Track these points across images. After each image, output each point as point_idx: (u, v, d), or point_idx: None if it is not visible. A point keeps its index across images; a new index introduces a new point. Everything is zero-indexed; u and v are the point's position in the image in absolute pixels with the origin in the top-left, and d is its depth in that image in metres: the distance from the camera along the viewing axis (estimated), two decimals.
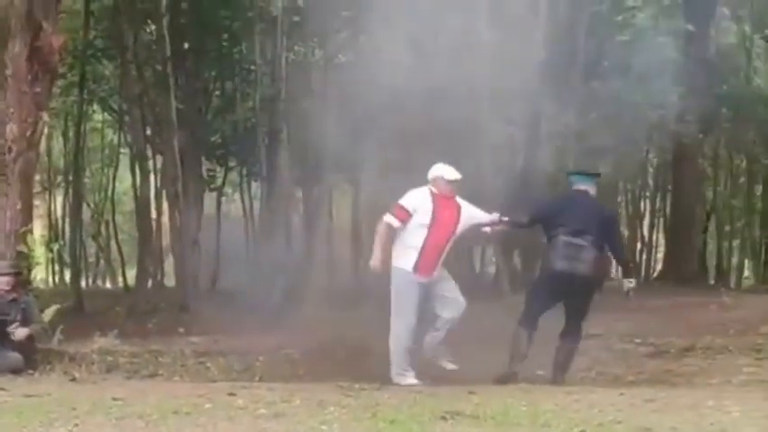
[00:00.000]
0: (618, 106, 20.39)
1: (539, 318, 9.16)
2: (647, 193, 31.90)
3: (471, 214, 9.62)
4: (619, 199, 30.51)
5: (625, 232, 27.82)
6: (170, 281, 25.33)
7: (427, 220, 9.28)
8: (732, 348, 11.03)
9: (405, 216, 9.31)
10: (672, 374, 9.73)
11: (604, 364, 10.43)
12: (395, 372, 9.19)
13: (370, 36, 19.08)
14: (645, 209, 31.92)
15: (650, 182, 31.49)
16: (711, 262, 29.51)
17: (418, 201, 9.38)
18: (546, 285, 9.27)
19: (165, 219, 24.04)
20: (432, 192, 9.45)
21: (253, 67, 24.88)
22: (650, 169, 30.65)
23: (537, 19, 18.31)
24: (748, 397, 7.94)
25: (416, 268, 9.22)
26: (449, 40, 17.24)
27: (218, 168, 28.32)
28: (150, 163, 24.40)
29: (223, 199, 29.63)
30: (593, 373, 9.95)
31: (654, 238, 31.26)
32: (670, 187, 28.78)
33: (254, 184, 28.08)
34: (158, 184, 25.54)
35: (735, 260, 32.00)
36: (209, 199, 27.99)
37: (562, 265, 8.97)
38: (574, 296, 9.10)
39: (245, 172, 28.15)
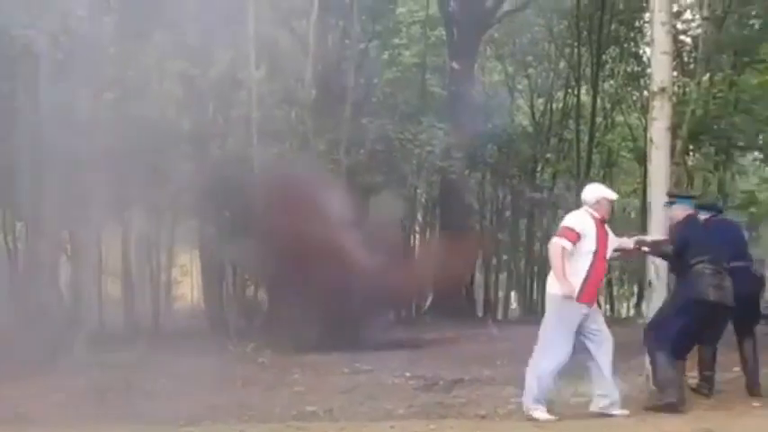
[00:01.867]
0: (386, 143, 20.87)
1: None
2: (417, 228, 32.66)
3: (614, 239, 9.37)
4: None
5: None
6: None
7: (593, 245, 8.93)
8: (499, 379, 11.47)
9: (575, 239, 8.88)
10: (442, 406, 9.99)
11: (375, 399, 10.61)
12: (530, 402, 8.88)
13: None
14: (415, 244, 32.65)
15: (419, 217, 32.24)
16: (479, 294, 30.50)
17: (585, 225, 8.98)
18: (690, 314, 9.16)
19: None
20: (593, 216, 9.08)
21: None
22: (419, 205, 31.40)
23: (306, 57, 18.56)
24: (514, 426, 8.36)
25: (581, 296, 8.84)
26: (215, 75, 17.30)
27: None
28: None
29: None
30: (365, 408, 10.13)
31: (424, 272, 31.98)
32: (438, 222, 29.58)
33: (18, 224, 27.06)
34: None
35: (501, 293, 33.29)
36: None
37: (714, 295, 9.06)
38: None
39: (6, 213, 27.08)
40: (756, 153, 31.85)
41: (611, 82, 29.52)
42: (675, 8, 24.33)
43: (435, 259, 27.61)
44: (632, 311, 32.19)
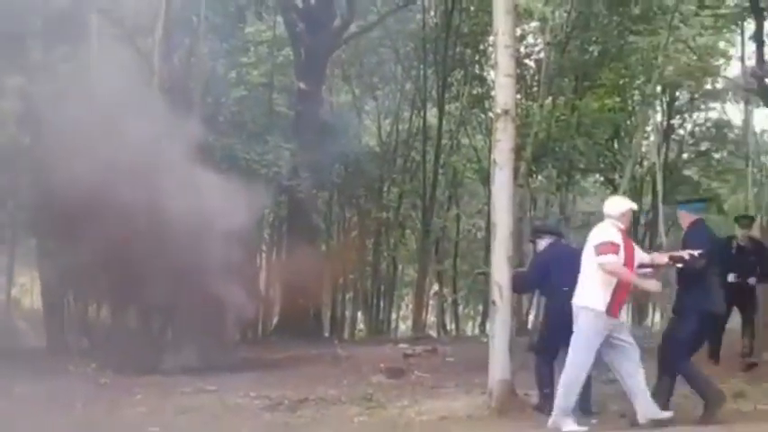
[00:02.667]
0: (232, 162, 20.71)
1: None
2: (264, 248, 32.48)
3: (641, 252, 9.49)
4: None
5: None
6: None
7: (622, 258, 8.97)
8: (344, 399, 11.50)
9: (617, 251, 8.92)
10: (287, 426, 9.98)
11: (220, 419, 10.50)
12: (559, 414, 8.90)
13: None
14: (261, 264, 32.43)
15: (266, 236, 32.07)
16: (326, 314, 30.51)
17: (615, 238, 9.00)
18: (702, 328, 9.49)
19: None
20: (618, 228, 9.13)
21: None
22: (266, 225, 31.24)
23: (151, 74, 18.27)
24: None
25: (609, 309, 8.90)
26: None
27: None
28: None
29: None
30: (209, 428, 10.02)
31: (270, 291, 31.84)
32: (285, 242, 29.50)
33: None
34: None
35: (348, 312, 33.38)
36: None
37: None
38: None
39: None
40: (597, 175, 32.96)
41: (457, 104, 29.97)
42: (519, 32, 24.97)
43: (282, 279, 27.58)
44: (477, 330, 32.73)
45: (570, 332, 9.57)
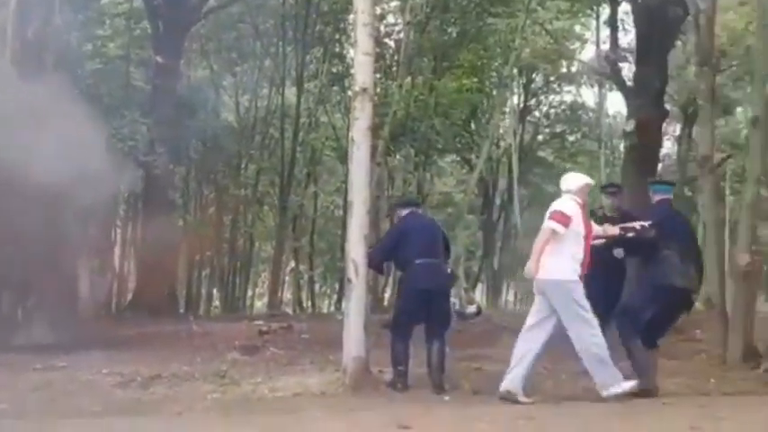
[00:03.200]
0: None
1: None
2: (119, 224, 31.92)
3: (595, 226, 9.70)
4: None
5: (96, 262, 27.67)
6: None
7: (582, 230, 9.20)
8: (198, 375, 11.42)
9: (568, 223, 9.06)
10: (139, 403, 9.87)
11: (71, 396, 10.32)
12: (607, 382, 8.85)
13: None
14: (116, 239, 31.89)
15: (121, 212, 31.52)
16: (182, 291, 30.22)
17: (574, 210, 9.19)
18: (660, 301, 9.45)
19: None
20: (576, 202, 9.30)
21: None
22: (121, 200, 30.69)
23: (4, 47, 17.72)
24: (210, 422, 8.38)
25: (580, 279, 9.09)
26: None
27: None
28: None
29: None
30: (59, 405, 9.82)
31: (125, 267, 31.38)
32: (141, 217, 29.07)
33: None
34: None
35: (204, 289, 33.14)
36: None
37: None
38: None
39: None
40: (454, 155, 33.42)
41: (316, 82, 29.96)
42: (379, 11, 25.08)
43: (137, 255, 27.20)
44: (333, 308, 32.91)
45: (425, 309, 9.75)
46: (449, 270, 10.68)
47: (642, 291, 9.90)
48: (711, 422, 7.23)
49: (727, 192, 33.05)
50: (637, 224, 9.66)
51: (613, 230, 9.85)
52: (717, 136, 21.50)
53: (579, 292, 9.08)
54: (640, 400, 8.82)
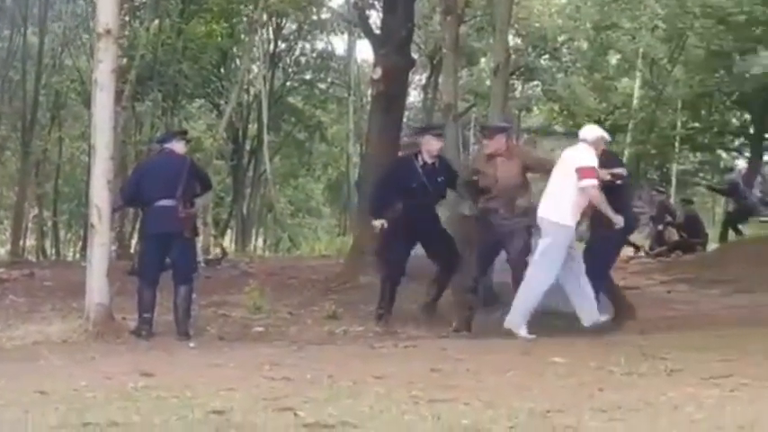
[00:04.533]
0: None
1: None
2: None
3: None
4: None
5: None
6: None
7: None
8: None
9: (597, 176, 9.46)
10: None
11: None
12: (516, 320, 9.40)
13: None
14: None
15: None
16: None
17: (595, 161, 9.52)
18: None
19: None
20: (592, 152, 9.60)
21: None
22: None
23: None
24: None
25: (576, 224, 9.63)
26: None
27: None
28: None
29: None
30: None
31: None
32: None
33: None
34: None
35: None
36: None
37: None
38: None
39: None
40: (203, 100, 33.00)
41: (60, 23, 28.83)
42: None
43: None
44: (78, 256, 32.02)
45: (164, 253, 9.63)
46: (193, 211, 10.39)
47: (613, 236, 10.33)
48: (450, 363, 7.48)
49: (472, 140, 34.24)
50: (620, 171, 10.13)
51: (604, 175, 9.91)
52: (461, 85, 22.27)
53: (569, 239, 9.59)
54: (386, 343, 9.10)
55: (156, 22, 24.73)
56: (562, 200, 9.56)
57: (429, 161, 10.91)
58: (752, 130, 32.21)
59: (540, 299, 9.53)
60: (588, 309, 9.59)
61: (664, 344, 8.61)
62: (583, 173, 9.45)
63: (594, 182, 9.44)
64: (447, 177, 10.99)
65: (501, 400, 5.55)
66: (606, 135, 10.23)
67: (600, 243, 10.35)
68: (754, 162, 29.57)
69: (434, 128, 12.03)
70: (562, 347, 8.42)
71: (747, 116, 33.07)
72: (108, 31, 10.19)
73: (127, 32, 22.38)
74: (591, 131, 10.04)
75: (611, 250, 10.70)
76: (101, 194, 9.96)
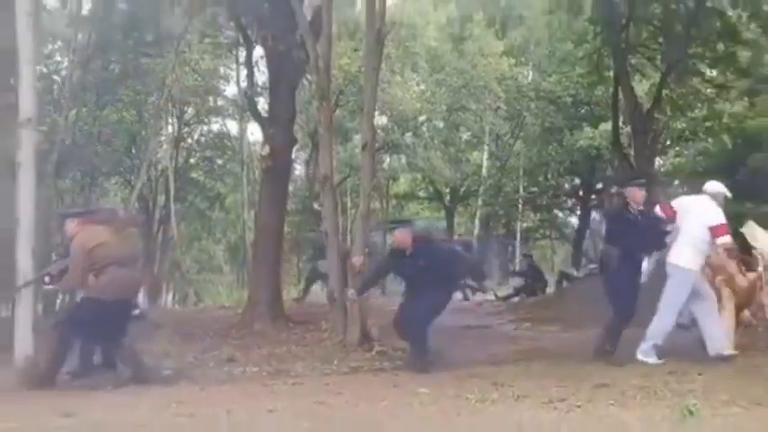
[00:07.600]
0: None
1: None
2: None
3: None
4: None
5: None
6: None
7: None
8: None
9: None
10: None
11: None
12: (647, 349, 9.15)
13: None
14: None
15: None
16: None
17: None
18: None
19: None
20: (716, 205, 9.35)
21: None
22: None
23: None
24: None
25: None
26: None
27: None
28: None
29: None
30: None
31: None
32: None
33: None
34: None
35: None
36: None
37: None
38: None
39: None
40: (117, 177, 32.47)
41: None
42: (47, 51, 24.11)
43: None
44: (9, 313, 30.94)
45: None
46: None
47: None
48: (333, 396, 7.49)
49: (350, 205, 34.41)
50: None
51: None
52: (336, 159, 22.42)
53: (693, 281, 9.27)
54: (277, 381, 9.03)
55: (74, 111, 24.30)
56: (688, 245, 9.28)
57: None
58: (581, 193, 33.47)
59: (667, 333, 9.24)
60: (716, 339, 9.19)
61: (511, 374, 8.79)
62: (718, 230, 9.20)
63: (729, 239, 9.34)
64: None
65: (374, 428, 5.58)
66: (727, 192, 9.63)
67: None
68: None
69: (636, 179, 10.58)
70: (426, 379, 8.52)
71: (577, 181, 34.32)
72: (29, 120, 10.05)
73: (48, 120, 21.91)
74: (715, 186, 9.62)
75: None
76: (25, 260, 9.73)
